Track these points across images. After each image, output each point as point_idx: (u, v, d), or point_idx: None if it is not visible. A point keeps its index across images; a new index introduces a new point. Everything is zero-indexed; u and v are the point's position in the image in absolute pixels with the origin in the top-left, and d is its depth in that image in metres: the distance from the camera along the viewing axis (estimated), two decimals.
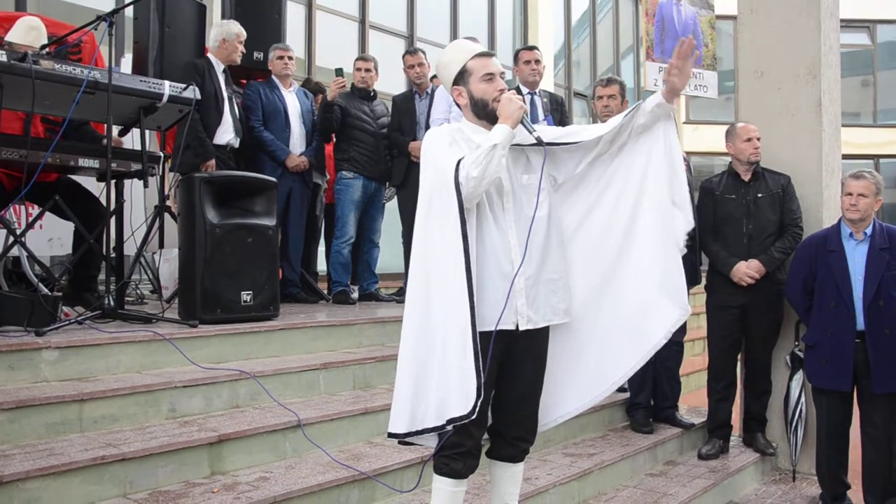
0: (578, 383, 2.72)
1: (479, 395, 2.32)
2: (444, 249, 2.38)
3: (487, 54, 2.56)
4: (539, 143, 2.46)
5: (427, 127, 5.28)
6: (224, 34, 4.97)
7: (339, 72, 5.31)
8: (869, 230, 3.96)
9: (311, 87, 6.02)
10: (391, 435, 2.49)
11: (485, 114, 2.52)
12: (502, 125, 2.41)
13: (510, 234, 2.47)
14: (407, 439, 2.51)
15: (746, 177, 4.46)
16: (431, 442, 2.51)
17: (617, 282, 2.67)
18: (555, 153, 2.61)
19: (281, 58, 5.35)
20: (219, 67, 4.95)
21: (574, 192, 2.71)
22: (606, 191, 2.69)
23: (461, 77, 2.55)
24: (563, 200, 2.69)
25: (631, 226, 2.66)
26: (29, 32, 4.02)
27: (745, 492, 4.41)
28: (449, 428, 2.39)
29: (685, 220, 2.63)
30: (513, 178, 2.51)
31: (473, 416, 2.33)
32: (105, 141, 4.07)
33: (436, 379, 2.39)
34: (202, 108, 4.09)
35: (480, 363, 2.32)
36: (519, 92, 5.05)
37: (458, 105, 2.63)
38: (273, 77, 5.38)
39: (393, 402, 2.49)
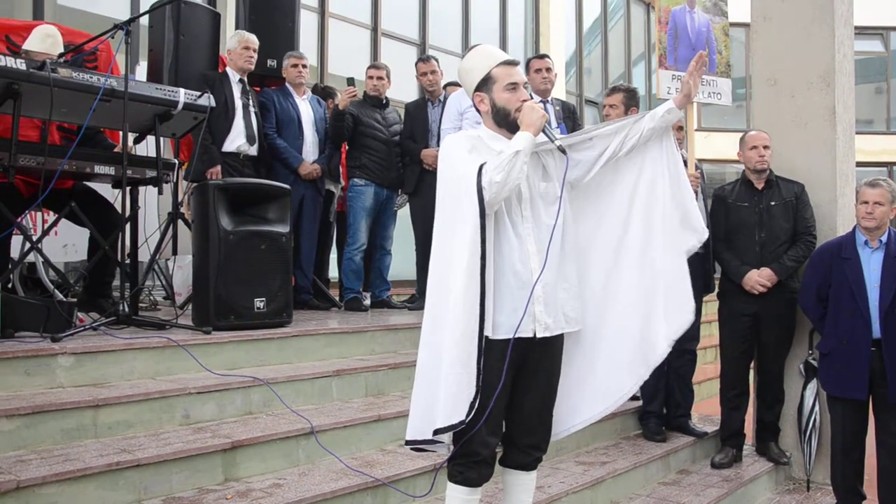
0: (590, 393, 2.71)
1: (475, 399, 2.33)
2: (459, 255, 2.38)
3: (512, 63, 2.56)
4: (562, 151, 2.47)
5: (439, 134, 5.29)
6: (228, 46, 5.08)
7: (350, 81, 5.34)
8: (884, 238, 3.93)
9: (318, 91, 6.03)
10: (407, 442, 2.51)
11: (506, 123, 2.53)
12: (525, 133, 2.42)
13: (528, 241, 2.47)
14: (421, 447, 2.51)
15: (759, 185, 4.45)
16: (443, 449, 2.51)
17: (625, 289, 2.68)
18: (571, 157, 2.62)
19: (295, 66, 5.38)
20: (234, 77, 5.03)
21: (585, 198, 2.72)
22: (617, 197, 2.71)
23: (484, 84, 2.55)
24: (574, 206, 2.70)
25: (639, 235, 2.68)
26: (45, 40, 4.07)
27: (759, 501, 4.38)
28: (440, 438, 2.40)
29: (695, 240, 2.67)
30: (531, 186, 2.51)
31: (467, 422, 2.34)
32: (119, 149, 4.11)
33: (443, 385, 2.40)
34: (210, 116, 4.14)
35: (481, 368, 2.33)
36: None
37: (478, 111, 2.63)
38: (287, 84, 5.41)
39: (410, 408, 2.51)
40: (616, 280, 2.69)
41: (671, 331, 2.64)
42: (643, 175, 2.68)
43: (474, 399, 2.34)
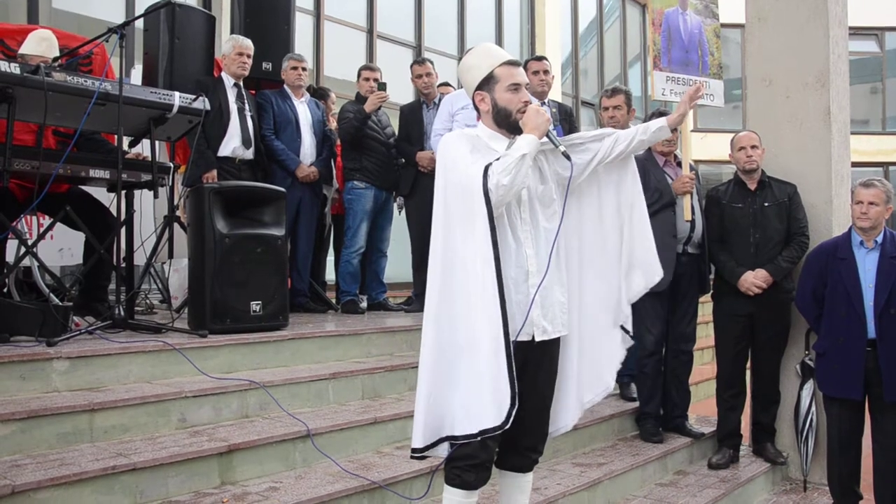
0: (572, 392, 2.73)
1: (512, 405, 2.30)
2: (467, 257, 2.36)
3: (515, 63, 2.56)
4: (566, 157, 2.47)
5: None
6: (223, 51, 5.09)
7: (382, 86, 5.33)
8: (880, 238, 3.94)
9: (311, 91, 6.01)
10: (414, 450, 2.46)
11: (506, 123, 2.52)
12: (529, 135, 2.41)
13: (527, 244, 2.47)
14: (426, 452, 2.48)
15: (752, 185, 4.46)
16: (443, 452, 2.49)
17: (596, 298, 2.73)
18: (562, 161, 2.62)
19: (295, 68, 5.37)
20: (229, 82, 5.03)
21: (573, 204, 2.70)
22: (598, 203, 2.74)
23: (486, 82, 2.54)
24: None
25: (607, 249, 2.74)
26: (40, 43, 4.07)
27: (756, 502, 4.38)
28: (479, 438, 2.36)
29: (640, 284, 2.74)
30: (529, 189, 2.51)
31: (507, 427, 2.31)
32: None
33: (461, 389, 2.37)
34: (205, 120, 4.14)
35: (514, 372, 2.31)
36: None
37: (477, 109, 2.61)
38: (285, 87, 5.41)
39: (415, 418, 2.47)
40: (592, 282, 2.72)
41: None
42: (619, 192, 2.74)
43: (511, 405, 2.29)
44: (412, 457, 2.49)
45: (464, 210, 2.37)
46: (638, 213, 2.74)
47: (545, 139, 2.48)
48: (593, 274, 2.71)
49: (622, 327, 2.73)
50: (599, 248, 2.72)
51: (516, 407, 2.30)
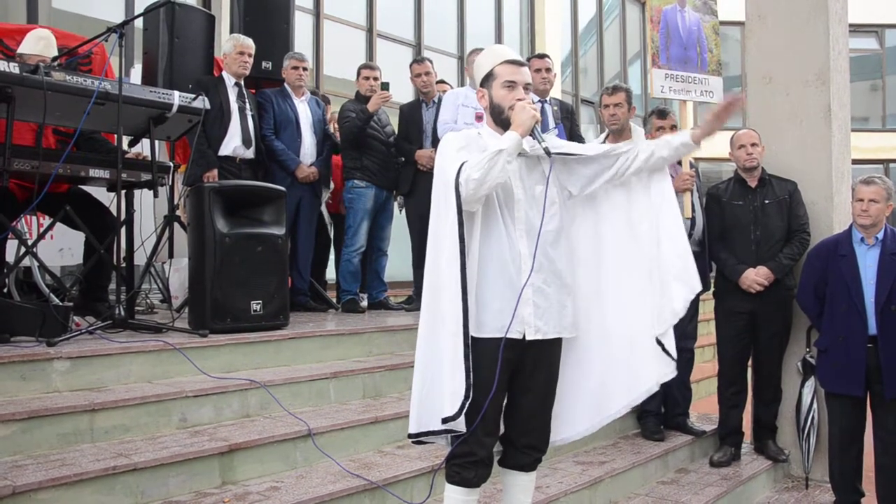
0: (585, 403, 2.72)
1: (466, 397, 2.32)
2: (447, 252, 2.38)
3: (517, 62, 2.56)
4: (547, 153, 2.46)
5: (433, 135, 5.29)
6: (224, 50, 5.09)
7: (385, 86, 5.33)
8: (880, 235, 3.94)
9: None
10: (409, 436, 2.51)
11: (500, 120, 2.53)
12: (512, 132, 2.42)
13: (520, 243, 2.46)
14: (421, 440, 2.52)
15: (753, 183, 4.45)
16: (442, 441, 2.52)
17: (622, 309, 2.66)
18: (569, 164, 2.62)
19: (296, 68, 5.37)
20: (230, 81, 5.03)
21: (589, 209, 2.71)
22: (622, 216, 2.69)
23: (486, 80, 2.57)
24: (577, 216, 2.69)
25: (637, 262, 2.66)
26: (38, 42, 4.06)
27: (758, 499, 4.38)
28: (445, 427, 2.38)
29: (682, 296, 2.58)
30: (526, 188, 2.51)
31: (460, 417, 2.33)
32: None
33: (439, 381, 2.40)
34: (205, 120, 4.14)
35: (469, 365, 2.32)
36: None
37: (482, 107, 2.64)
38: (286, 86, 5.40)
39: (411, 401, 2.51)
40: (616, 295, 2.67)
41: (657, 376, 2.67)
42: (647, 208, 2.65)
43: (465, 397, 2.32)
44: (410, 440, 2.52)
45: (444, 205, 2.40)
46: (668, 221, 2.63)
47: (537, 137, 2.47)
48: (620, 281, 2.66)
49: (659, 343, 2.60)
50: (628, 255, 2.65)
51: (470, 399, 2.32)
